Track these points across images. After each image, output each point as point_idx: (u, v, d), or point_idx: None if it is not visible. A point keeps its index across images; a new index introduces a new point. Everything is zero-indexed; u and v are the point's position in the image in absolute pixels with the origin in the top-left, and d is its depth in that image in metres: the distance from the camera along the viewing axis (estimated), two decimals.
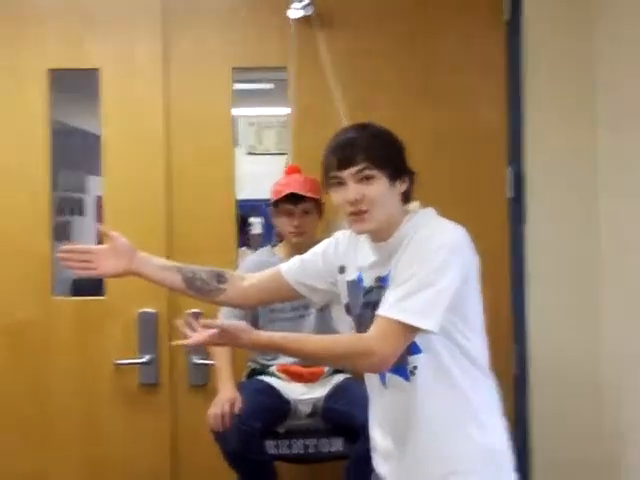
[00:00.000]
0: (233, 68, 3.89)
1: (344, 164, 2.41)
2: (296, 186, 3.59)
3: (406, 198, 2.48)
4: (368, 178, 2.40)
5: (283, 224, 3.65)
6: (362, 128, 2.49)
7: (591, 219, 3.80)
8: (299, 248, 3.54)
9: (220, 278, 2.71)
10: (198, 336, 2.35)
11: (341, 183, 2.42)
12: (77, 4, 3.90)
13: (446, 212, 2.46)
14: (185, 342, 2.37)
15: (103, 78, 3.87)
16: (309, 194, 3.58)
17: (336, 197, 2.45)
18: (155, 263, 2.72)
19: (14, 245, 3.84)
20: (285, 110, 4.07)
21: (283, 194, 3.60)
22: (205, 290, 2.70)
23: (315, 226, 3.64)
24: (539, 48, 3.83)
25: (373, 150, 2.41)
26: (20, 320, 3.85)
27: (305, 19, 3.81)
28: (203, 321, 2.36)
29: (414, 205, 2.50)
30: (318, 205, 3.63)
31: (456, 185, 3.85)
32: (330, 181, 2.45)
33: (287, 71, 3.84)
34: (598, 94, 3.79)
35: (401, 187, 2.45)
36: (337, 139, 2.47)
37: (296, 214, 3.60)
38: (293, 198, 3.59)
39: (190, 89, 3.87)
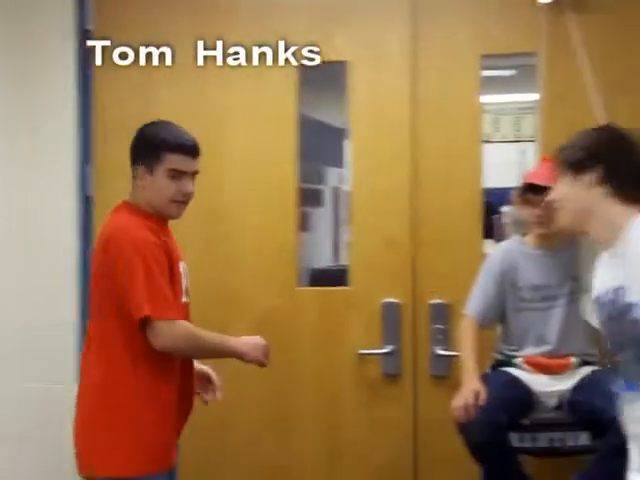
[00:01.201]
0: (481, 55, 3.81)
1: None
2: (540, 176, 3.50)
3: None
4: None
5: (526, 214, 3.60)
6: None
7: None
8: (545, 239, 3.51)
9: None
10: None
11: None
12: None
13: None
14: None
15: (351, 70, 3.88)
16: (551, 184, 3.51)
17: None
18: None
19: (263, 236, 3.93)
20: (524, 97, 3.98)
21: (523, 184, 3.56)
22: None
23: None
24: None
25: None
26: (266, 310, 3.93)
27: (556, 3, 3.70)
28: None
29: None
30: None
31: None
32: None
33: (537, 57, 3.74)
34: None
35: None
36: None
37: (537, 204, 3.50)
38: (537, 188, 3.51)
39: (438, 78, 3.84)
